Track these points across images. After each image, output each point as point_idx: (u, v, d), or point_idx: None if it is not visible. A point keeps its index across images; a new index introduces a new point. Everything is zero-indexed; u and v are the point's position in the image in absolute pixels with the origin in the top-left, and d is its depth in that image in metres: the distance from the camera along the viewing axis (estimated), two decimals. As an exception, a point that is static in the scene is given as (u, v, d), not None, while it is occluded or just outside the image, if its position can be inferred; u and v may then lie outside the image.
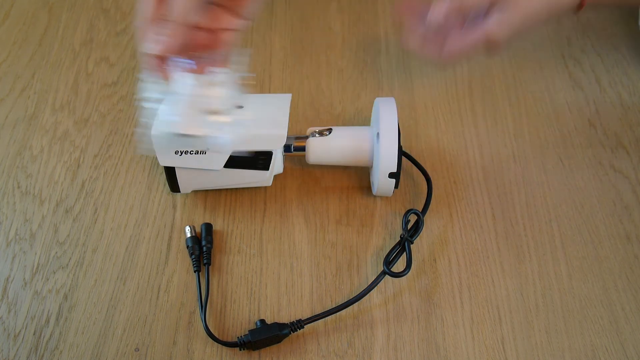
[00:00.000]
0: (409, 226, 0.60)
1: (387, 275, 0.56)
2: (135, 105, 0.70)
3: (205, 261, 0.58)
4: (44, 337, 0.54)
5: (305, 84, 0.74)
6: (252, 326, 0.55)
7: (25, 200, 0.63)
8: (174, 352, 0.54)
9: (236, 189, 0.64)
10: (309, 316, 0.55)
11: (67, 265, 0.58)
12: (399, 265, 0.58)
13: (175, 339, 0.54)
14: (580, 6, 0.60)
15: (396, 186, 0.60)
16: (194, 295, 0.57)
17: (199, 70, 0.49)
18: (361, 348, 0.54)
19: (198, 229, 0.61)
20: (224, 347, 0.54)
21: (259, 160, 0.59)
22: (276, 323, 0.54)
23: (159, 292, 0.57)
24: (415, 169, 0.65)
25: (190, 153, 0.57)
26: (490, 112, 0.71)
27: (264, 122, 0.59)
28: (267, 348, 0.54)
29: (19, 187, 0.64)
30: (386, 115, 0.58)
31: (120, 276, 0.58)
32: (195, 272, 0.58)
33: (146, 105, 0.49)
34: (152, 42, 0.48)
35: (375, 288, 0.57)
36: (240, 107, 0.61)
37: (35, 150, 0.66)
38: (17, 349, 0.53)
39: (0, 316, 0.55)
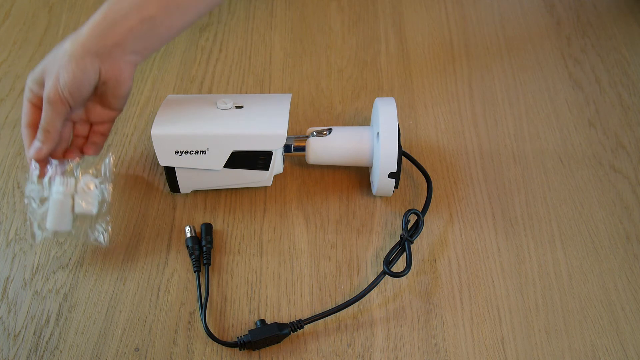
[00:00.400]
0: (409, 226, 0.60)
1: (387, 275, 0.56)
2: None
3: (205, 261, 0.58)
4: (44, 337, 0.54)
5: (305, 84, 0.74)
6: (252, 326, 0.55)
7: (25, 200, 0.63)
8: (174, 352, 0.54)
9: (236, 189, 0.64)
10: (309, 316, 0.55)
11: (67, 265, 0.58)
12: (399, 265, 0.58)
13: (175, 339, 0.54)
14: None
15: (396, 186, 0.60)
16: (194, 295, 0.57)
17: (70, 173, 0.57)
18: (361, 348, 0.54)
19: (198, 229, 0.61)
20: (224, 347, 0.54)
21: (259, 160, 0.59)
22: (276, 323, 0.54)
23: (159, 292, 0.57)
24: (415, 169, 0.65)
25: (190, 153, 0.57)
26: (490, 112, 0.71)
27: (264, 122, 0.59)
28: (267, 348, 0.54)
29: (19, 187, 0.64)
30: (386, 115, 0.58)
31: (120, 276, 0.58)
32: (195, 272, 0.58)
33: (29, 203, 0.56)
34: (29, 148, 0.55)
35: (375, 288, 0.57)
36: (240, 107, 0.61)
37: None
38: (17, 349, 0.53)
39: (0, 316, 0.55)
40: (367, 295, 0.56)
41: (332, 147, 0.61)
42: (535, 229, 0.62)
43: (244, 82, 0.74)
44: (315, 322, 0.55)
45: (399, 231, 0.61)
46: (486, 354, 0.54)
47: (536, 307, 0.57)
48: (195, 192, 0.64)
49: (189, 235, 0.59)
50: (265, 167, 0.59)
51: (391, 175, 0.58)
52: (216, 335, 0.54)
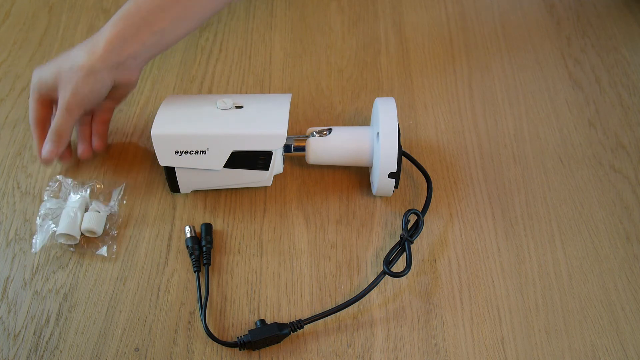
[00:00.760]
0: (409, 226, 0.60)
1: (387, 275, 0.56)
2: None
3: (205, 261, 0.58)
4: (44, 337, 0.54)
5: (305, 84, 0.74)
6: (252, 326, 0.55)
7: (25, 200, 0.63)
8: (174, 352, 0.54)
9: (236, 189, 0.64)
10: (309, 316, 0.55)
11: (67, 265, 0.58)
12: (399, 265, 0.58)
13: (175, 339, 0.54)
14: None
15: (396, 186, 0.60)
16: (194, 295, 0.57)
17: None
18: (361, 348, 0.54)
19: (198, 229, 0.61)
20: (223, 347, 0.54)
21: (259, 160, 0.59)
22: (276, 323, 0.54)
23: (159, 292, 0.57)
24: (415, 169, 0.65)
25: (190, 153, 0.57)
26: (490, 112, 0.71)
27: (264, 122, 0.59)
28: (267, 348, 0.54)
29: (19, 187, 0.64)
30: (386, 115, 0.58)
31: (120, 276, 0.58)
32: (195, 272, 0.58)
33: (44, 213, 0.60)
34: (41, 149, 0.60)
35: (375, 288, 0.57)
36: (240, 107, 0.61)
37: (35, 150, 0.66)
38: (17, 349, 0.53)
39: (0, 316, 0.55)
40: (367, 295, 0.56)
41: (332, 147, 0.61)
42: (535, 229, 0.62)
43: (244, 82, 0.74)
44: (315, 322, 0.55)
45: (399, 231, 0.61)
46: (486, 354, 0.54)
47: (536, 307, 0.57)
48: (195, 192, 0.64)
49: (189, 235, 0.59)
50: (265, 167, 0.59)
51: (391, 175, 0.58)
52: (216, 335, 0.54)
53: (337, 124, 0.70)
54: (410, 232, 0.59)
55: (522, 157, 0.67)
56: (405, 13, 0.82)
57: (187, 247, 0.59)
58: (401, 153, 0.58)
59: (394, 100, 0.60)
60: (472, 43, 0.79)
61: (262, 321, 0.54)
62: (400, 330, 0.55)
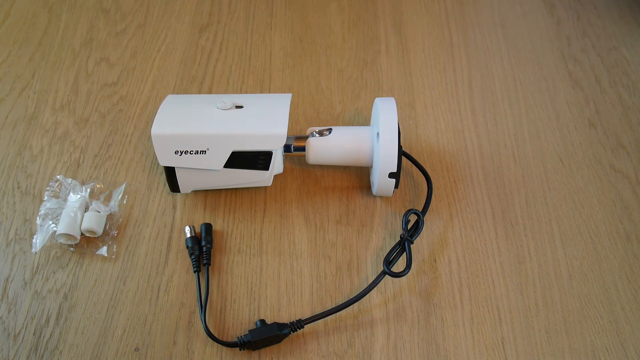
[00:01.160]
0: (409, 226, 0.60)
1: (387, 275, 0.56)
2: (134, 106, 0.71)
3: (205, 261, 0.58)
4: (44, 337, 0.54)
5: (305, 84, 0.74)
6: (252, 326, 0.55)
7: (25, 200, 0.63)
8: (174, 352, 0.54)
9: (236, 189, 0.64)
10: (309, 316, 0.55)
11: (67, 265, 0.58)
12: (399, 265, 0.58)
13: (175, 339, 0.54)
14: None
15: (396, 186, 0.60)
16: (194, 295, 0.57)
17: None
18: (361, 348, 0.54)
19: (198, 229, 0.61)
20: (224, 347, 0.54)
21: (259, 160, 0.59)
22: (276, 323, 0.54)
23: (159, 292, 0.57)
24: (415, 169, 0.65)
25: (190, 153, 0.57)
26: (490, 112, 0.71)
27: (264, 122, 0.59)
28: (267, 348, 0.54)
29: (19, 187, 0.64)
30: (386, 115, 0.58)
31: (120, 276, 0.58)
32: (195, 272, 0.58)
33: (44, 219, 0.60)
34: None
35: (375, 288, 0.57)
36: (240, 107, 0.61)
37: (35, 150, 0.66)
38: (17, 349, 0.53)
39: (0, 316, 0.55)
40: (367, 295, 0.56)
41: (332, 147, 0.61)
42: (535, 229, 0.62)
43: (244, 82, 0.74)
44: (315, 322, 0.55)
45: (399, 231, 0.61)
46: (486, 354, 0.54)
47: (536, 307, 0.57)
48: (195, 192, 0.64)
49: (189, 235, 0.59)
50: (265, 167, 0.59)
51: (391, 175, 0.58)
52: (216, 335, 0.54)
53: (337, 124, 0.70)
54: (411, 232, 0.59)
55: (522, 157, 0.67)
56: (405, 13, 0.82)
57: (187, 247, 0.59)
58: (401, 153, 0.58)
59: (394, 100, 0.60)
60: (472, 43, 0.79)
61: (262, 321, 0.54)
62: (401, 330, 0.55)
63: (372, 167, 0.63)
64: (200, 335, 0.54)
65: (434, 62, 0.76)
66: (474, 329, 0.55)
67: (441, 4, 0.83)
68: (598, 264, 0.60)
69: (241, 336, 0.53)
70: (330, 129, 0.62)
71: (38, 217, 0.60)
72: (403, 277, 0.58)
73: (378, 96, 0.73)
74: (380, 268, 0.58)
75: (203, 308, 0.55)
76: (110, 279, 0.58)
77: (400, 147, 0.58)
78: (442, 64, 0.76)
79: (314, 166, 0.66)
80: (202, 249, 0.59)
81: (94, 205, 0.61)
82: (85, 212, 0.60)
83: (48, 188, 0.62)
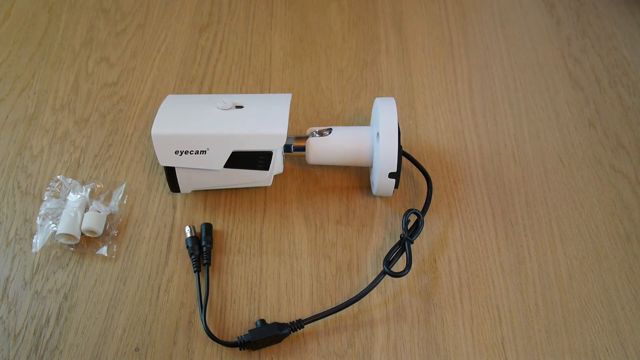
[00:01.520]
0: (409, 226, 0.60)
1: (387, 275, 0.56)
2: (134, 106, 0.71)
3: (205, 261, 0.58)
4: (44, 337, 0.54)
5: (305, 84, 0.74)
6: (252, 326, 0.55)
7: (25, 200, 0.63)
8: (174, 352, 0.54)
9: (236, 189, 0.64)
10: (309, 316, 0.55)
11: (67, 265, 0.58)
12: (399, 265, 0.58)
13: (175, 339, 0.54)
14: None
15: (396, 186, 0.60)
16: (194, 295, 0.57)
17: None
18: (361, 348, 0.54)
19: (198, 229, 0.61)
20: (224, 347, 0.54)
21: (259, 160, 0.59)
22: (276, 323, 0.54)
23: (159, 292, 0.57)
24: (415, 169, 0.65)
25: (190, 153, 0.57)
26: (490, 112, 0.71)
27: (264, 122, 0.59)
28: (267, 348, 0.54)
29: (19, 187, 0.64)
30: (386, 115, 0.58)
31: (120, 276, 0.58)
32: (195, 272, 0.58)
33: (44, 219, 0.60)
34: None
35: (375, 288, 0.57)
36: (240, 107, 0.61)
37: (35, 150, 0.66)
38: (17, 349, 0.53)
39: (0, 316, 0.55)
40: (367, 295, 0.56)
41: (332, 147, 0.61)
42: (535, 229, 0.62)
43: (244, 82, 0.74)
44: (315, 322, 0.55)
45: (399, 231, 0.61)
46: (486, 354, 0.54)
47: (536, 307, 0.57)
48: (195, 192, 0.64)
49: (189, 235, 0.59)
50: (266, 167, 0.59)
51: (391, 175, 0.58)
52: (216, 335, 0.54)
53: (337, 124, 0.70)
54: (411, 232, 0.59)
55: (522, 157, 0.67)
56: (405, 13, 0.82)
57: (187, 247, 0.59)
58: (401, 153, 0.58)
59: (394, 100, 0.60)
60: (472, 43, 0.79)
61: (262, 321, 0.54)
62: (400, 330, 0.55)
63: (372, 167, 0.63)
64: (201, 335, 0.54)
65: (434, 62, 0.76)
66: (474, 329, 0.55)
67: (441, 4, 0.83)
68: (598, 264, 0.60)
69: (241, 336, 0.53)
70: (330, 129, 0.62)
71: (38, 217, 0.60)
72: (403, 277, 0.58)
73: (378, 96, 0.73)
74: (380, 268, 0.58)
75: (203, 308, 0.55)
76: (110, 279, 0.58)
77: (400, 147, 0.58)
78: (442, 64, 0.76)
79: (314, 166, 0.66)
80: (202, 249, 0.59)
81: (94, 205, 0.61)
82: (85, 212, 0.60)
83: (48, 188, 0.62)
